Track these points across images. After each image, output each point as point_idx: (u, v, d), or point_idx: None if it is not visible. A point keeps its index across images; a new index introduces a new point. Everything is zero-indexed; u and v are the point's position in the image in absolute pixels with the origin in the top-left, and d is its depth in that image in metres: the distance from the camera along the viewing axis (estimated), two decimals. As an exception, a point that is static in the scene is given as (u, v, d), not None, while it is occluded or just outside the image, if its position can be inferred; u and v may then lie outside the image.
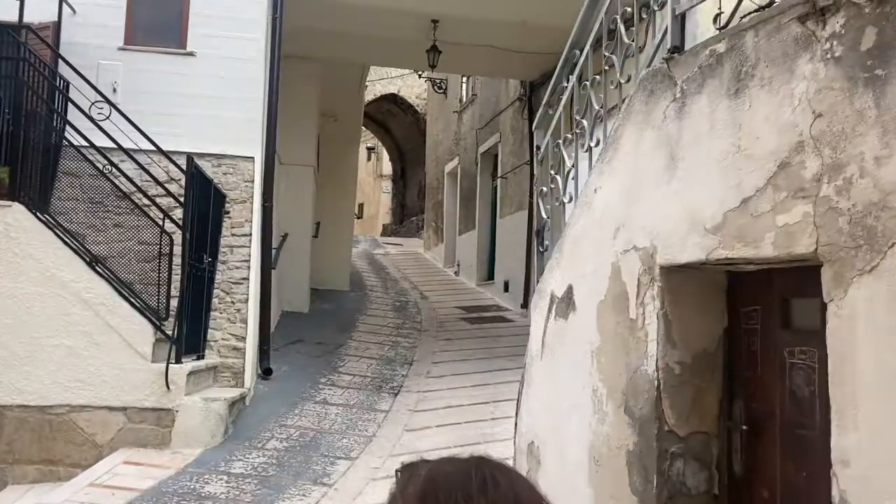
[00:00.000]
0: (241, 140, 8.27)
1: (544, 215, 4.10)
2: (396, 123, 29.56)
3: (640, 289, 3.00)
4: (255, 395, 7.73)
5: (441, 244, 19.36)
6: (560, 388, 3.49)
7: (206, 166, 7.81)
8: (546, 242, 4.04)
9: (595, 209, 3.36)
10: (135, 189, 7.27)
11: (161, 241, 6.98)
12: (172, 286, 7.00)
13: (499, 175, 14.94)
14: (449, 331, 11.77)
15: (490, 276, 15.50)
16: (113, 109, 6.97)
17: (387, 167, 34.62)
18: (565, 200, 3.86)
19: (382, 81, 26.91)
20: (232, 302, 7.92)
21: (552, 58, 12.17)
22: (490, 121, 15.58)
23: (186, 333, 6.64)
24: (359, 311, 12.84)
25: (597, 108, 3.65)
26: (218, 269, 7.81)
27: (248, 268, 8.07)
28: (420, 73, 18.79)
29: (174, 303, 6.78)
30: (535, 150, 4.26)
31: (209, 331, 7.57)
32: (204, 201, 7.18)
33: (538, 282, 4.03)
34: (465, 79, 17.92)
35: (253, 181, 8.31)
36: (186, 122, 8.06)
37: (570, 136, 3.95)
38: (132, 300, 6.53)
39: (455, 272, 17.39)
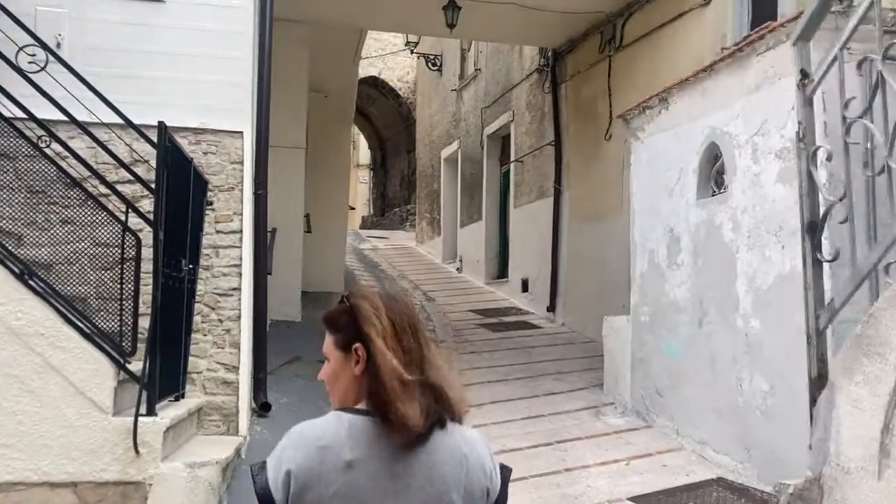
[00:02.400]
0: (226, 110, 6.39)
1: (826, 196, 2.33)
2: (377, 109, 27.72)
3: None
4: (251, 442, 5.89)
5: (438, 237, 17.57)
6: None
7: (183, 144, 5.93)
8: (836, 246, 2.29)
9: None
10: (89, 174, 5.35)
11: (124, 241, 5.14)
12: (141, 301, 5.17)
13: (512, 159, 13.18)
14: (469, 341, 10.00)
15: (502, 273, 13.76)
16: (51, 59, 5.08)
17: (364, 156, 33.12)
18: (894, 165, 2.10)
19: (362, 63, 25.04)
20: (219, 320, 6.07)
21: (582, 19, 10.46)
22: (499, 98, 13.80)
23: (161, 367, 4.78)
24: (359, 317, 11.01)
25: None
26: (200, 277, 5.96)
27: (239, 274, 6.21)
28: (412, 48, 17.00)
29: (143, 323, 4.94)
30: (801, 80, 2.49)
31: (190, 359, 5.72)
32: (181, 188, 5.32)
33: (815, 309, 2.28)
34: (465, 50, 16.12)
35: (242, 163, 6.44)
36: (155, 88, 6.15)
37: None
38: (84, 326, 4.66)
39: (457, 269, 15.62)
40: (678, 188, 6.45)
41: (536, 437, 6.42)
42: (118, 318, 5.05)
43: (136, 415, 4.43)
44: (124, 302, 5.05)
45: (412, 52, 17.26)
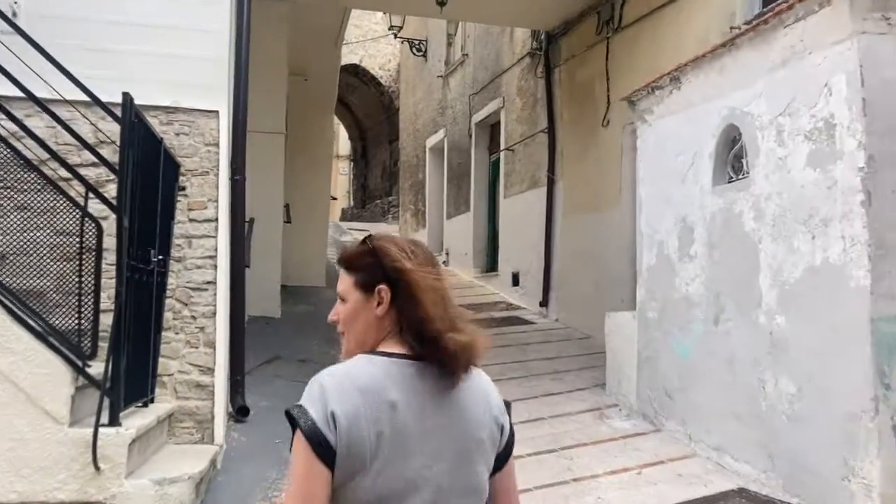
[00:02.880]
0: (201, 87, 5.84)
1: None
2: (357, 97, 27.14)
3: None
4: (228, 451, 5.37)
5: (423, 230, 17.08)
6: None
7: (153, 124, 5.39)
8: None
9: None
10: (48, 156, 4.80)
11: (83, 227, 4.61)
12: (105, 297, 4.66)
13: (502, 147, 12.68)
14: (459, 337, 9.50)
15: (492, 266, 13.29)
16: (6, 29, 4.52)
17: (344, 147, 32.54)
18: None
19: (342, 50, 24.47)
20: (192, 317, 5.52)
21: (577, 0, 10.00)
22: (488, 84, 13.31)
23: (127, 370, 4.25)
24: (342, 312, 10.48)
25: None
26: (171, 269, 5.43)
27: (215, 267, 5.67)
28: (396, 32, 16.44)
29: (105, 321, 4.42)
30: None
31: (160, 361, 5.19)
32: (150, 171, 4.79)
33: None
34: (451, 35, 15.60)
35: (218, 145, 5.89)
36: (122, 62, 5.58)
37: None
38: (36, 325, 4.12)
39: (444, 262, 15.12)
40: (691, 174, 5.99)
41: (538, 442, 5.95)
42: (77, 315, 4.52)
43: (97, 425, 3.90)
44: (83, 297, 4.53)
45: (395, 36, 16.69)
